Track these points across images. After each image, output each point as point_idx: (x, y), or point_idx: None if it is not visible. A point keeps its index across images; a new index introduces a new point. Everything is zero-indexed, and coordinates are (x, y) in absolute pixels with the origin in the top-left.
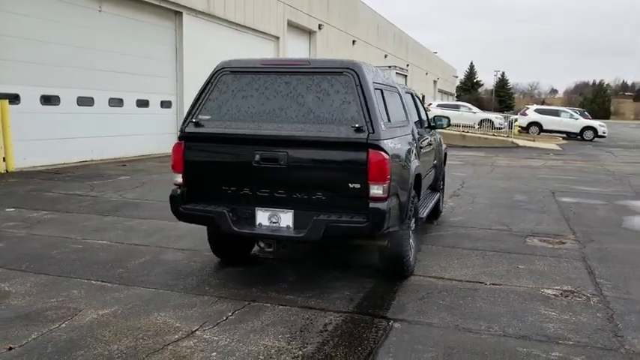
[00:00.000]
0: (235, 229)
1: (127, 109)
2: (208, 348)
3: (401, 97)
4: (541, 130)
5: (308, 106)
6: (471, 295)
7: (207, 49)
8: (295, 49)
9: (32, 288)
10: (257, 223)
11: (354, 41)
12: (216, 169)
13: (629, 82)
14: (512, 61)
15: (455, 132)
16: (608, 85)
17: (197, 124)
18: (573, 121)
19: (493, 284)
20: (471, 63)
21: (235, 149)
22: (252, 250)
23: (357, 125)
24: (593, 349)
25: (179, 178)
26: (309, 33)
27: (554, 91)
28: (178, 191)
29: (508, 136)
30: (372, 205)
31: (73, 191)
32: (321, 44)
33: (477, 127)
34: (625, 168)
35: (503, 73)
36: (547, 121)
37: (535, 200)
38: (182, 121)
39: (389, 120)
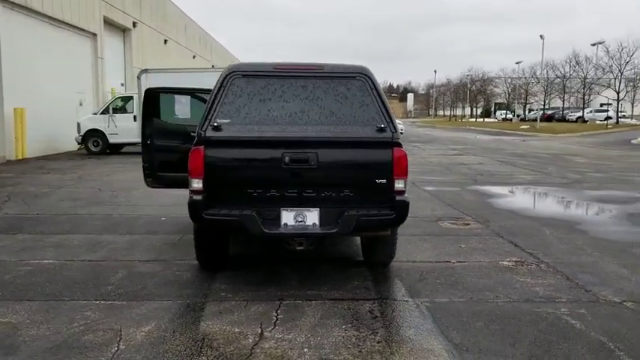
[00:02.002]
0: (266, 230)
1: None
2: (294, 346)
3: None
4: None
5: (329, 109)
6: (456, 273)
7: (26, 46)
8: (112, 48)
9: (33, 315)
10: (282, 223)
11: (165, 40)
12: (241, 173)
13: (395, 85)
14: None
15: None
16: None
17: (216, 128)
18: None
19: (459, 262)
20: None
21: (263, 152)
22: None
23: (381, 126)
24: (583, 302)
25: (198, 184)
26: (124, 31)
27: None
28: (199, 197)
29: None
30: (398, 198)
31: None
32: (136, 43)
33: None
34: (442, 159)
35: None
36: None
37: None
38: (199, 124)
39: None
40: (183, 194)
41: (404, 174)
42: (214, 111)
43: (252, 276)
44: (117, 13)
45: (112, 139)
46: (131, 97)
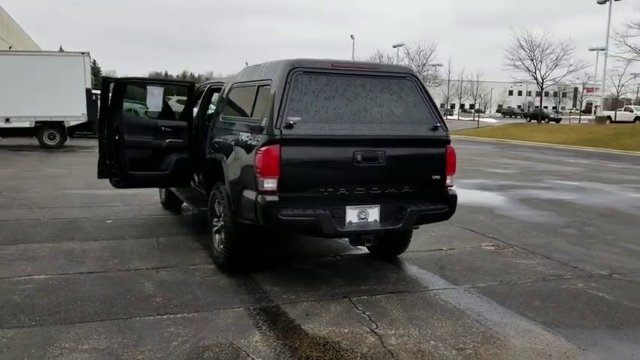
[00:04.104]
0: (339, 229)
1: None
2: (419, 339)
3: None
4: None
5: (388, 108)
6: (461, 260)
7: None
8: None
9: (112, 338)
10: (347, 221)
11: None
12: (314, 172)
13: (196, 74)
14: (96, 47)
15: None
16: (182, 75)
17: (289, 126)
18: None
19: (450, 249)
20: (61, 48)
21: (335, 150)
22: None
23: (437, 124)
24: (585, 277)
25: (271, 184)
26: None
27: None
28: (274, 198)
29: None
30: (451, 192)
31: None
32: None
33: None
34: None
35: (94, 60)
36: None
37: None
38: (267, 121)
39: None
40: (92, 194)
41: (453, 170)
42: (284, 108)
43: (287, 277)
44: None
45: None
46: None
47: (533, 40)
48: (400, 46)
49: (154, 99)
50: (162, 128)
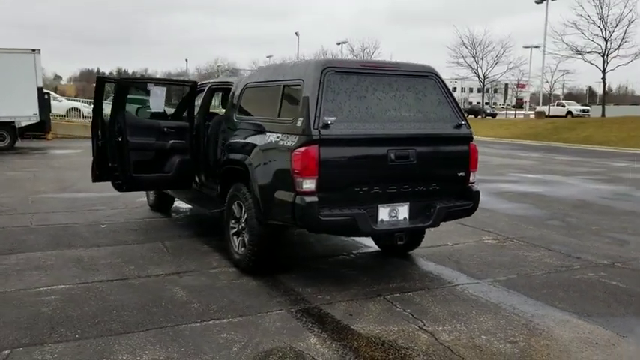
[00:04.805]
0: (375, 228)
1: None
2: (471, 334)
3: None
4: None
5: (415, 106)
6: (471, 254)
7: None
8: None
9: (168, 347)
10: (379, 220)
11: None
12: (351, 171)
13: (130, 71)
14: (21, 44)
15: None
16: (116, 72)
17: (326, 126)
18: None
19: (455, 244)
20: None
21: (371, 149)
22: None
23: (461, 122)
24: (592, 267)
25: (311, 185)
26: None
27: (58, 78)
28: (314, 199)
29: None
30: (475, 189)
31: None
32: None
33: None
34: None
35: None
36: None
37: None
38: (304, 122)
39: None
40: (72, 198)
41: (476, 166)
42: (320, 108)
43: (313, 277)
44: None
45: None
46: None
47: (475, 37)
48: (344, 43)
49: (157, 99)
50: (165, 129)
